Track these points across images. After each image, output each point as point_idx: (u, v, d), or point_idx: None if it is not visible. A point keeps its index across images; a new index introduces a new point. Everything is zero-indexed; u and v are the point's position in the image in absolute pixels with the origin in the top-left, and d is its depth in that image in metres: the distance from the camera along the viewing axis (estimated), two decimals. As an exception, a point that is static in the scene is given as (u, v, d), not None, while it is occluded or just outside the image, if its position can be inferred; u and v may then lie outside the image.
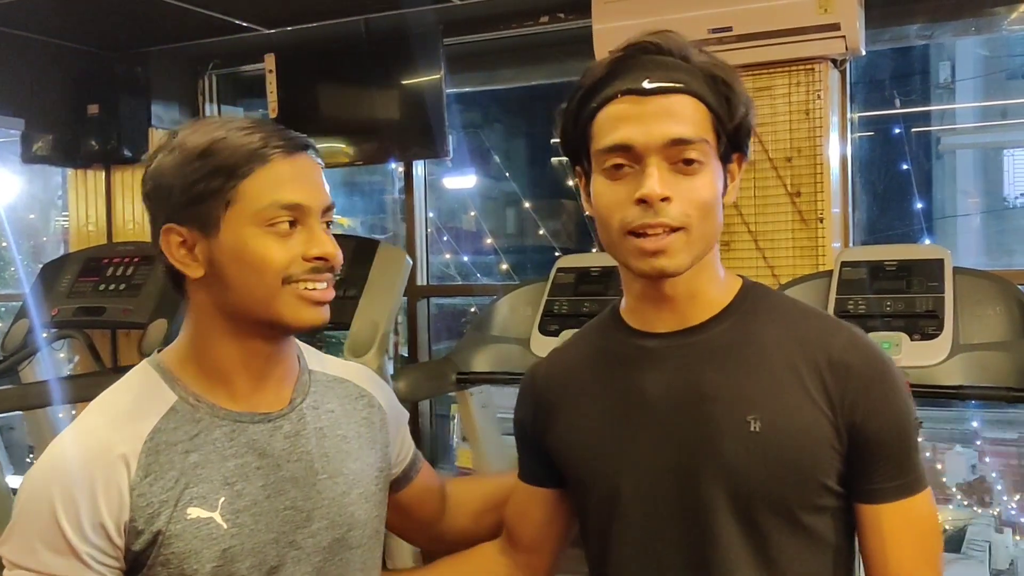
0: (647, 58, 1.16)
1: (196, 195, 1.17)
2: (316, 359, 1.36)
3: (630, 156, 1.13)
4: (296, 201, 1.18)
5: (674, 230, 1.13)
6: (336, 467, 1.26)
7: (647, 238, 1.13)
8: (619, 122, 1.14)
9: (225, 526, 1.15)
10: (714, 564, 1.15)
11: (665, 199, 1.11)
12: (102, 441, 1.15)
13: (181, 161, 1.17)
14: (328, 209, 1.22)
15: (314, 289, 1.19)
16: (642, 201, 1.11)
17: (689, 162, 1.13)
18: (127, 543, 1.12)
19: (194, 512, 1.14)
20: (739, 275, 1.28)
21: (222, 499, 1.16)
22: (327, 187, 1.24)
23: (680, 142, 1.12)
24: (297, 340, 1.34)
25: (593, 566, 1.29)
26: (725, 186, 1.19)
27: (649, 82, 1.13)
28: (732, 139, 1.17)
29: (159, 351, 1.27)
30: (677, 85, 1.14)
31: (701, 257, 1.17)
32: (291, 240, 1.18)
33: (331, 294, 1.22)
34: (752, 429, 1.14)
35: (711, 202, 1.15)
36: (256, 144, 1.17)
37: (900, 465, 1.16)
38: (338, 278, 1.24)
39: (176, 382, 1.22)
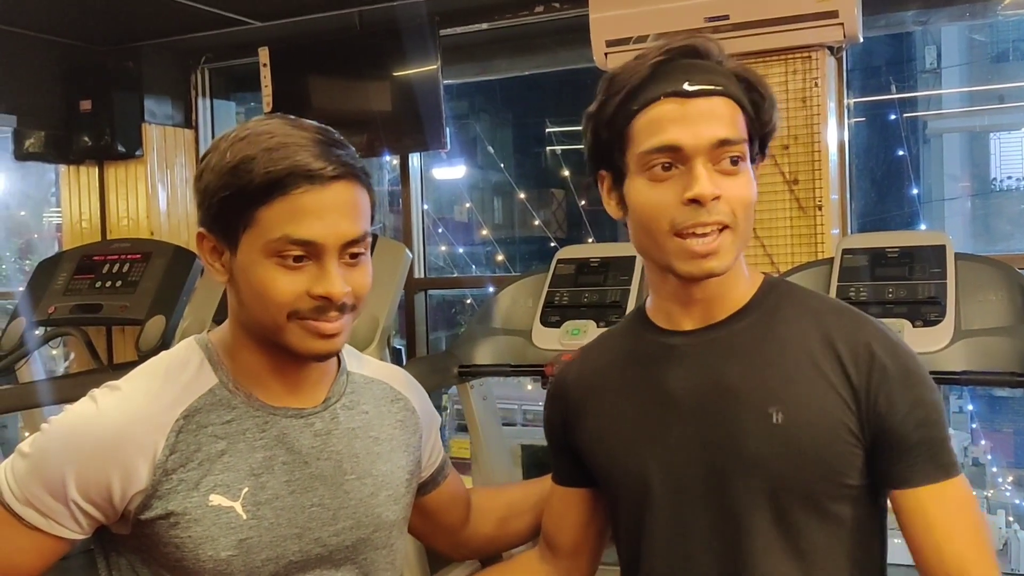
0: (687, 62, 1.18)
1: (221, 210, 1.15)
2: (355, 360, 1.36)
3: (677, 157, 1.15)
4: (307, 238, 1.12)
5: (724, 228, 1.15)
6: (365, 468, 1.27)
7: (697, 240, 1.14)
8: (664, 123, 1.15)
9: (244, 516, 1.15)
10: (744, 556, 1.16)
11: (716, 198, 1.13)
12: (138, 413, 1.15)
13: (217, 170, 1.14)
14: (354, 242, 1.15)
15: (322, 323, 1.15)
16: (693, 201, 1.13)
17: (735, 161, 1.16)
18: (135, 512, 1.14)
19: (216, 499, 1.14)
20: (761, 272, 1.30)
21: (245, 490, 1.16)
22: (363, 215, 1.17)
23: (726, 143, 1.15)
24: None
25: (625, 562, 1.30)
26: None
27: (690, 84, 1.16)
28: (761, 141, 1.21)
29: (208, 331, 1.26)
30: (717, 88, 1.16)
31: (739, 256, 1.20)
32: (300, 275, 1.13)
33: (342, 326, 1.16)
34: (774, 421, 1.15)
35: (752, 201, 1.18)
36: (280, 173, 1.11)
37: (929, 452, 1.15)
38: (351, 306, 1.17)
39: (219, 365, 1.22)
